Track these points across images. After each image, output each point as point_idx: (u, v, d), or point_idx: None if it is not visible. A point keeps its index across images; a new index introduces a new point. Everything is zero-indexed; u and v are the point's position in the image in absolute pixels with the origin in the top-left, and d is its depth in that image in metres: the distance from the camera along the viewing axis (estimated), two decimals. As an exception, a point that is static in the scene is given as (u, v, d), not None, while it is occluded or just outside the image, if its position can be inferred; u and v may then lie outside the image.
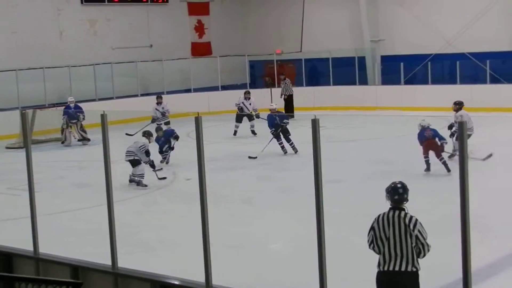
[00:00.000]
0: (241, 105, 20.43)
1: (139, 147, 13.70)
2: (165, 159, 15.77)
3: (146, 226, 11.01)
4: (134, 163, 13.65)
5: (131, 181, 13.75)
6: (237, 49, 29.10)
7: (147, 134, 14.17)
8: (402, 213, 5.68)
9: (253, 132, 19.95)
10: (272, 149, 16.37)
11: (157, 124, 19.46)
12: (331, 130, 19.00)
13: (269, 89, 25.52)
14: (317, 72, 28.46)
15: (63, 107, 20.41)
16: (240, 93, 21.13)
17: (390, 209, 5.75)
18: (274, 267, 8.63)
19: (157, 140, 15.29)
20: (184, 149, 15.17)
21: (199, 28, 29.48)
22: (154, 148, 14.81)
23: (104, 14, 26.37)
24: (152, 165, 13.88)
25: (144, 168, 13.76)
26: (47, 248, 7.11)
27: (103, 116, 6.27)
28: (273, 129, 16.54)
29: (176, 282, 6.11)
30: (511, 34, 24.21)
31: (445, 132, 14.01)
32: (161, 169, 14.35)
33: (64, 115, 19.94)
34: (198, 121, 5.55)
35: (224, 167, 15.08)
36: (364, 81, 26.67)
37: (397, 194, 5.72)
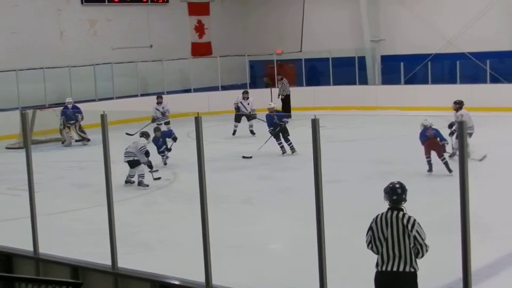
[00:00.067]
0: (239, 104, 20.43)
1: (139, 148, 13.70)
2: (163, 160, 15.69)
3: (146, 226, 11.01)
4: (134, 163, 13.64)
5: (127, 182, 13.72)
6: (237, 49, 29.11)
7: (145, 135, 14.19)
8: (400, 214, 5.67)
9: (252, 132, 19.95)
10: (272, 149, 16.37)
11: (157, 124, 19.48)
12: (331, 130, 19.00)
13: (269, 89, 25.49)
14: (317, 72, 28.46)
15: (61, 108, 20.39)
16: (240, 93, 21.12)
17: (388, 209, 5.74)
18: (274, 267, 8.62)
19: (155, 141, 15.20)
20: (184, 149, 15.16)
21: (199, 28, 29.48)
22: (152, 148, 14.79)
23: (104, 14, 26.37)
24: (150, 165, 13.90)
25: (144, 168, 13.77)
26: (47, 248, 7.11)
27: (103, 116, 6.27)
28: (272, 128, 16.53)
29: (176, 282, 6.11)
30: (511, 34, 24.21)
31: (446, 132, 13.99)
32: (157, 170, 14.30)
33: (62, 116, 19.94)
34: (198, 121, 5.55)
35: (224, 167, 15.08)
36: (364, 81, 26.67)
37: (396, 194, 5.71)
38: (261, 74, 29.33)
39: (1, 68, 22.10)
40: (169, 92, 25.29)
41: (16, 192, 13.02)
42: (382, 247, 5.69)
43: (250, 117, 20.17)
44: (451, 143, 13.78)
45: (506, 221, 10.27)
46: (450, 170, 12.95)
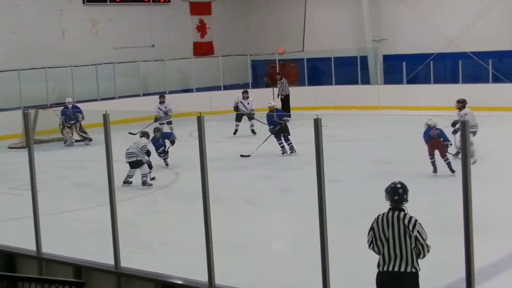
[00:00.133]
0: (239, 104, 20.44)
1: (141, 148, 13.70)
2: (164, 161, 15.59)
3: (149, 226, 11.02)
4: (137, 164, 13.64)
5: (125, 182, 13.64)
6: (239, 48, 29.11)
7: (146, 135, 14.19)
8: (402, 214, 5.66)
9: (253, 132, 19.96)
10: (273, 149, 16.36)
11: (160, 124, 19.50)
12: (333, 129, 18.99)
13: (271, 89, 25.48)
14: (319, 71, 28.45)
15: (61, 108, 20.40)
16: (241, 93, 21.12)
17: (389, 209, 5.73)
18: (275, 266, 8.63)
19: (154, 141, 15.07)
20: (186, 149, 15.18)
21: (201, 28, 29.47)
22: (152, 148, 14.75)
23: (106, 14, 26.38)
24: (150, 165, 13.90)
25: (147, 168, 13.77)
26: (50, 248, 7.12)
27: (105, 116, 6.27)
28: (272, 126, 16.52)
29: (179, 282, 6.11)
30: (513, 34, 24.22)
31: (449, 131, 13.92)
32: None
33: (61, 116, 19.95)
34: (200, 121, 5.55)
35: (225, 166, 15.06)
36: (366, 80, 26.67)
37: (397, 194, 5.71)
38: (263, 73, 29.34)
39: (3, 68, 22.13)
40: (171, 92, 25.27)
41: (19, 192, 13.03)
42: (383, 247, 5.69)
43: (252, 116, 20.18)
44: (454, 142, 13.73)
45: (508, 221, 10.27)
46: (452, 171, 12.86)
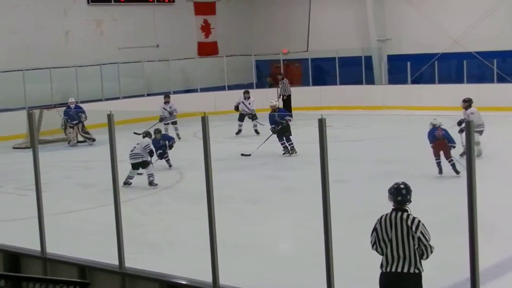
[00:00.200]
0: (240, 104, 20.45)
1: (144, 147, 13.69)
2: (167, 162, 15.54)
3: (153, 226, 11.03)
4: (144, 164, 13.61)
5: (125, 183, 13.50)
6: (243, 48, 29.11)
7: (148, 135, 14.20)
8: (405, 215, 5.65)
9: (256, 132, 19.96)
10: (275, 148, 16.34)
11: (165, 124, 19.52)
12: (338, 129, 18.97)
13: (275, 89, 25.46)
14: (323, 71, 28.44)
15: (64, 108, 20.42)
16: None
17: (392, 210, 5.72)
18: (279, 267, 8.62)
19: (154, 142, 14.98)
20: (190, 149, 15.17)
21: (206, 28, 29.49)
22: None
23: (111, 14, 26.41)
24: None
25: (152, 167, 13.78)
26: (54, 248, 7.12)
27: (109, 116, 6.27)
28: (273, 126, 16.50)
29: (184, 282, 6.11)
30: (518, 33, 24.18)
31: (454, 131, 13.83)
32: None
33: (64, 116, 19.97)
34: (204, 121, 5.54)
35: (228, 166, 15.02)
36: (370, 80, 26.64)
37: (400, 195, 5.69)
38: (267, 74, 29.34)
39: (8, 68, 22.17)
40: (175, 92, 25.28)
41: (24, 192, 13.05)
42: (386, 248, 5.68)
43: (255, 116, 20.20)
44: (461, 141, 13.62)
45: (513, 221, 10.25)
46: (457, 172, 12.77)
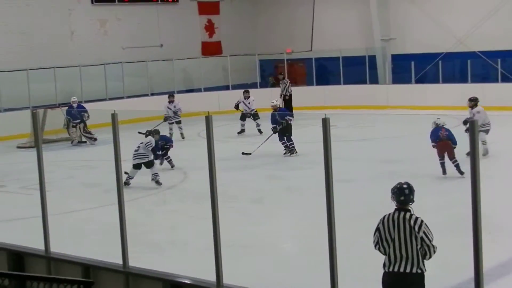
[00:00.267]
0: (240, 103, 20.47)
1: (146, 145, 13.68)
2: (169, 163, 15.53)
3: (157, 225, 11.04)
4: (149, 164, 13.61)
5: (125, 183, 13.48)
6: (247, 48, 29.11)
7: (152, 134, 14.20)
8: (408, 215, 5.64)
9: (259, 131, 19.96)
10: (279, 148, 16.32)
11: (169, 123, 19.53)
12: (342, 129, 18.96)
13: (278, 89, 25.45)
14: (327, 71, 28.42)
15: (67, 107, 20.44)
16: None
17: (395, 210, 5.71)
18: (283, 266, 8.62)
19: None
20: (194, 149, 15.19)
21: (209, 28, 29.50)
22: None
23: (115, 14, 26.43)
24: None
25: (157, 166, 13.80)
26: (58, 247, 7.14)
27: (113, 116, 6.28)
28: (274, 125, 16.49)
29: (187, 281, 6.11)
30: (522, 33, 24.13)
31: (459, 130, 13.75)
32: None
33: (66, 115, 19.99)
34: (208, 121, 5.54)
35: (232, 166, 15.02)
36: (374, 80, 26.63)
37: (403, 195, 5.68)
38: (269, 73, 29.34)
39: (12, 68, 22.21)
40: (179, 92, 25.27)
41: (28, 191, 13.07)
42: (389, 248, 5.67)
43: (256, 116, 20.22)
44: (466, 140, 13.46)
45: (517, 221, 10.23)
46: (461, 173, 12.64)
